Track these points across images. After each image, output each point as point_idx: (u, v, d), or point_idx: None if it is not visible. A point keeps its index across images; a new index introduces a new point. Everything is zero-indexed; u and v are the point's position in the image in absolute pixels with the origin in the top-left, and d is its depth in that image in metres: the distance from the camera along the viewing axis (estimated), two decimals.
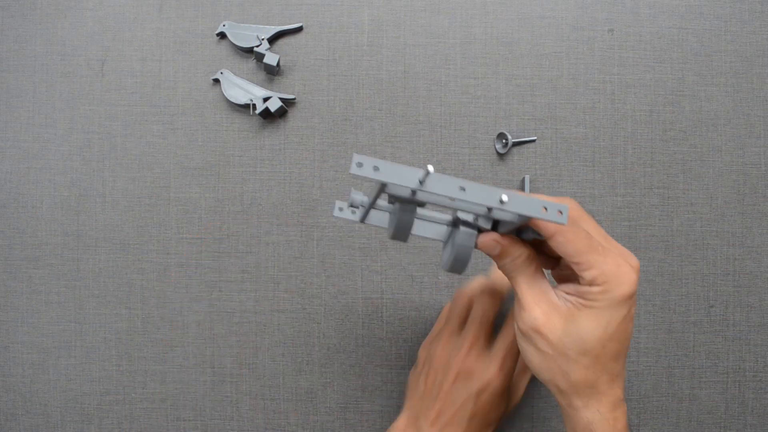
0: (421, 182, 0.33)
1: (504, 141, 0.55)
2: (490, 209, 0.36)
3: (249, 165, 0.56)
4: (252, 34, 0.55)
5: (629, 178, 0.56)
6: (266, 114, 0.55)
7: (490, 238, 0.38)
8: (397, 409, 0.55)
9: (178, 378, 0.55)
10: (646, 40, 0.56)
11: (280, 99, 0.54)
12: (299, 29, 0.56)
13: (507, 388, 0.47)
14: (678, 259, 0.56)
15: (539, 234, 0.38)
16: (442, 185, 0.34)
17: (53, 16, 0.57)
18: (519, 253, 0.38)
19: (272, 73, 0.56)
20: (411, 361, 0.56)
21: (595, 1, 0.57)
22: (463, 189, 0.34)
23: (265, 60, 0.54)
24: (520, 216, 0.35)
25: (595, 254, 0.36)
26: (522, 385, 0.50)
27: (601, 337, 0.36)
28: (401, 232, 0.39)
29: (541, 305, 0.38)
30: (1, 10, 0.56)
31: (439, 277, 0.56)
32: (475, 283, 0.50)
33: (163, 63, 0.56)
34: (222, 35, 0.56)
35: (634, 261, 0.38)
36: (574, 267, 0.37)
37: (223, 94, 0.55)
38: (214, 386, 0.55)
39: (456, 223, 0.39)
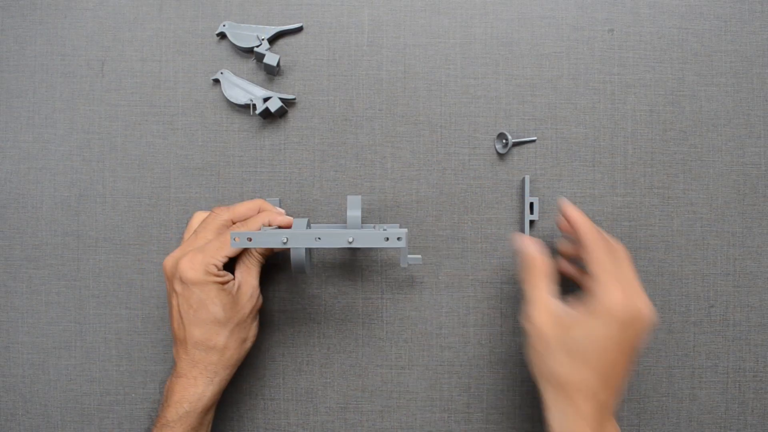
0: (285, 243, 0.43)
1: (504, 141, 0.55)
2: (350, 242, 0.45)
3: (249, 165, 0.56)
4: (252, 34, 0.55)
5: (629, 178, 0.56)
6: (266, 114, 0.55)
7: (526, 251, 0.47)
8: (397, 409, 0.56)
9: None
10: (646, 40, 0.56)
11: (280, 99, 0.54)
12: (299, 29, 0.56)
13: (204, 284, 0.47)
14: (678, 259, 0.56)
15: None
16: (301, 241, 0.44)
17: (53, 16, 0.57)
18: (540, 264, 0.47)
19: (272, 73, 0.56)
20: (411, 361, 0.56)
21: (595, 1, 0.57)
22: (318, 239, 0.44)
23: (265, 60, 0.54)
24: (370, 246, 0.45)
25: (614, 280, 0.43)
26: (247, 280, 0.50)
27: (585, 344, 0.42)
28: (297, 267, 0.48)
29: (540, 306, 0.45)
30: (1, 10, 0.56)
31: (439, 277, 0.56)
32: None
33: (163, 63, 0.56)
34: (222, 35, 0.56)
35: (646, 308, 0.43)
36: (593, 282, 0.44)
37: (223, 94, 0.55)
38: None
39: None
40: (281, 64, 0.56)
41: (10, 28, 0.56)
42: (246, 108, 0.56)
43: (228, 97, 0.55)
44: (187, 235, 0.51)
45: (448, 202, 0.56)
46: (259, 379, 0.55)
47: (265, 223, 0.50)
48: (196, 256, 0.47)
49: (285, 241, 0.43)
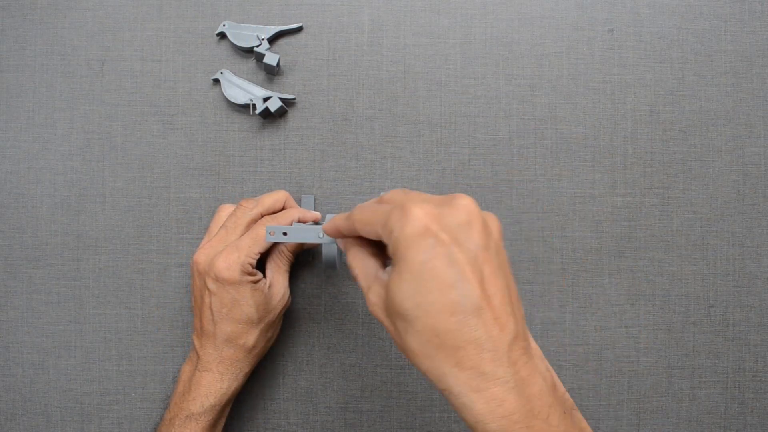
0: (321, 238, 0.43)
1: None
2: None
3: (249, 165, 0.56)
4: (252, 34, 0.55)
5: (629, 178, 0.56)
6: (266, 114, 0.55)
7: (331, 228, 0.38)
8: (397, 409, 0.56)
9: None
10: (646, 40, 0.56)
11: (280, 99, 0.54)
12: (299, 29, 0.56)
13: (240, 283, 0.47)
14: (678, 259, 0.56)
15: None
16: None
17: (53, 16, 0.57)
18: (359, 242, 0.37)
19: (272, 73, 0.56)
20: None
21: (595, 1, 0.57)
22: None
23: (265, 60, 0.54)
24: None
25: (380, 216, 0.33)
26: (279, 280, 0.50)
27: (406, 297, 0.30)
28: (328, 263, 0.47)
29: (372, 289, 0.35)
30: (1, 10, 0.56)
31: None
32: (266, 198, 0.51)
33: (163, 63, 0.56)
34: (222, 35, 0.56)
35: (461, 210, 0.31)
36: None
37: (223, 94, 0.55)
38: None
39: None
40: (281, 64, 0.56)
41: (10, 28, 0.56)
42: (246, 108, 0.56)
43: (228, 97, 0.55)
44: (215, 229, 0.51)
45: None
46: (259, 379, 0.55)
47: (295, 220, 0.50)
48: (231, 254, 0.47)
49: (321, 236, 0.43)
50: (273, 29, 0.55)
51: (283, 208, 0.52)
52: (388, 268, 0.34)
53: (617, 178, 0.56)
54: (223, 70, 0.55)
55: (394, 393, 0.56)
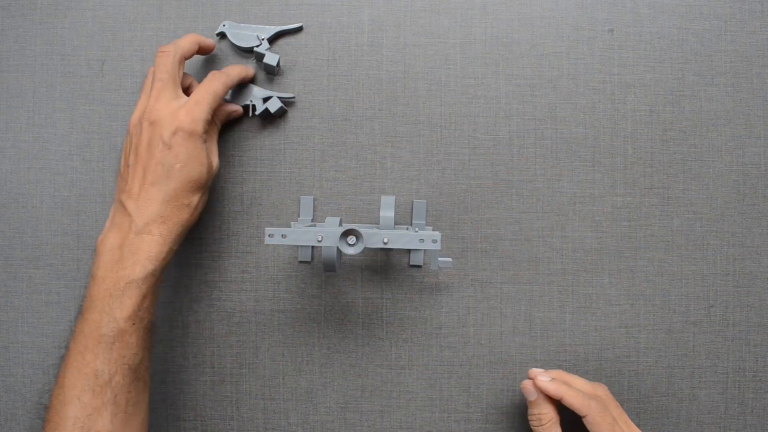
0: (319, 241, 0.44)
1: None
2: (385, 242, 0.45)
3: (249, 165, 0.56)
4: (252, 34, 0.55)
5: (629, 178, 0.56)
6: (266, 115, 0.55)
7: (530, 385, 0.49)
8: (397, 409, 0.56)
9: (178, 378, 0.55)
10: (646, 40, 0.56)
11: (280, 99, 0.54)
12: (299, 29, 0.56)
13: (199, 139, 0.48)
14: (678, 259, 0.56)
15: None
16: (335, 239, 0.44)
17: (53, 16, 0.57)
18: (546, 411, 0.48)
19: (272, 73, 0.56)
20: (411, 361, 0.56)
21: (595, 1, 0.57)
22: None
23: (265, 60, 0.54)
24: (402, 248, 0.45)
25: None
26: (213, 148, 0.51)
27: None
28: (328, 266, 0.48)
29: None
30: (1, 10, 0.56)
31: (439, 277, 0.56)
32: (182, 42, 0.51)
33: None
34: (222, 35, 0.56)
35: None
36: None
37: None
38: (214, 386, 0.55)
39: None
40: (281, 64, 0.56)
41: (10, 28, 0.56)
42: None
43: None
44: (148, 86, 0.50)
45: (448, 201, 0.56)
46: (259, 379, 0.56)
47: (239, 75, 0.52)
48: (194, 108, 0.48)
49: (320, 239, 0.44)
50: (273, 29, 0.55)
51: (200, 51, 0.52)
52: None
53: (617, 178, 0.56)
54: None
55: (394, 393, 0.56)
